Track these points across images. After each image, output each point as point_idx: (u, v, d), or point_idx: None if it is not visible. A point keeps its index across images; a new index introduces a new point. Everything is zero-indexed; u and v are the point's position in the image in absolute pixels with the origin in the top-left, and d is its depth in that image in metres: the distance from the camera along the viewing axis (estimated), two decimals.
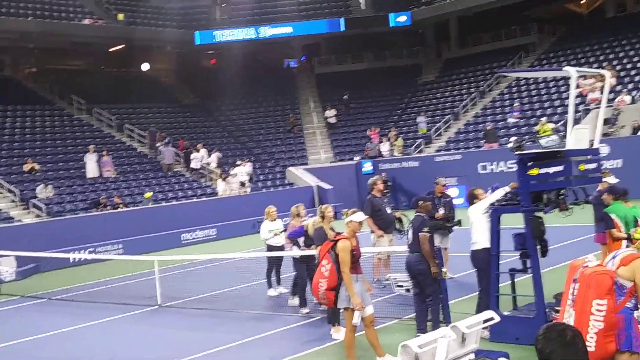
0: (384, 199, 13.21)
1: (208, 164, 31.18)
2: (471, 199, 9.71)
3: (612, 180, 10.62)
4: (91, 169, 28.22)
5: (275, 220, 13.15)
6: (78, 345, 11.32)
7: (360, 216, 8.42)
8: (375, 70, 41.79)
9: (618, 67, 31.52)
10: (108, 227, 23.58)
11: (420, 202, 9.67)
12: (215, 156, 31.53)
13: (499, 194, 8.98)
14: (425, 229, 9.25)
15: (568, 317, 5.72)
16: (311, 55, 45.31)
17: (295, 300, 12.15)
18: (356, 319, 8.08)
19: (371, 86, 40.38)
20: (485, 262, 9.10)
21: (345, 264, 8.03)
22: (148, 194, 26.95)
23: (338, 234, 8.87)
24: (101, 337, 11.76)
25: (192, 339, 10.84)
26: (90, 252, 21.45)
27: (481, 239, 9.23)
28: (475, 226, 9.40)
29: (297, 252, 11.69)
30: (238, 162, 30.77)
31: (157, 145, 31.42)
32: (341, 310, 8.63)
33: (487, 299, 8.95)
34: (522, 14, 40.99)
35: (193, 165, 30.76)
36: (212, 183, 30.30)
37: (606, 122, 25.12)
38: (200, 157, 30.89)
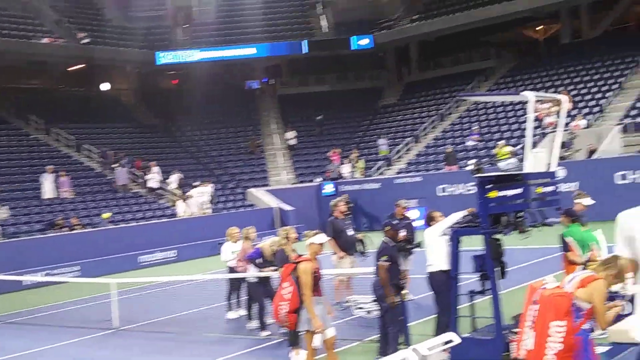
0: (345, 220, 13.21)
1: (164, 182, 30.82)
2: (429, 221, 9.77)
3: (587, 201, 10.63)
4: (48, 190, 27.72)
5: (237, 241, 13.06)
6: None
7: (321, 238, 8.40)
8: (338, 92, 42.09)
9: (573, 92, 32.24)
10: (64, 249, 23.15)
11: (386, 228, 9.57)
12: (176, 176, 31.27)
13: (456, 216, 9.03)
14: (383, 258, 9.15)
15: (527, 338, 5.76)
16: (273, 77, 45.45)
17: (254, 324, 12.06)
18: (317, 341, 8.04)
19: (333, 108, 40.59)
20: (442, 284, 9.17)
21: (307, 286, 8.00)
22: (106, 215, 26.57)
23: (299, 256, 8.83)
24: None
25: None
26: (46, 275, 21.00)
27: (437, 261, 9.32)
28: (431, 248, 9.46)
29: (255, 274, 11.59)
30: (196, 183, 30.54)
31: (114, 165, 31.05)
32: (302, 333, 8.57)
33: (445, 321, 8.98)
34: (480, 39, 41.80)
35: (151, 184, 30.46)
36: (171, 203, 30.01)
37: (562, 145, 25.62)
38: (156, 176, 30.61)
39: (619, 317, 5.88)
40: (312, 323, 7.96)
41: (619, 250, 3.89)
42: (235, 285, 13.10)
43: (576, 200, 10.52)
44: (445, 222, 9.20)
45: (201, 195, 29.43)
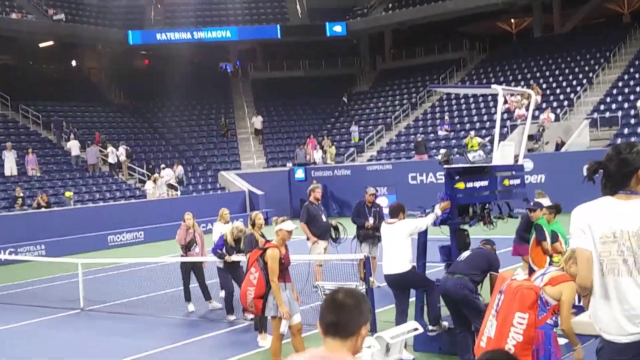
0: (320, 206, 13.30)
1: (117, 156, 30.70)
2: (397, 212, 9.02)
3: (545, 202, 10.68)
4: (9, 167, 27.25)
5: (228, 222, 12.96)
6: None
7: (290, 225, 8.41)
8: (311, 78, 42.06)
9: (544, 86, 32.63)
10: (31, 227, 22.90)
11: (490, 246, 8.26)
12: (122, 149, 31.05)
13: (431, 219, 8.56)
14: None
15: (490, 326, 5.83)
16: (247, 61, 45.22)
17: (214, 303, 12.29)
18: (283, 327, 8.09)
19: (306, 94, 40.57)
20: (419, 278, 8.83)
21: (274, 272, 8.03)
22: (68, 193, 26.23)
23: (268, 241, 8.85)
24: (19, 341, 11.38)
25: (114, 344, 10.61)
26: (10, 253, 20.75)
27: (406, 261, 8.66)
28: (397, 247, 8.68)
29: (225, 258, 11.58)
30: (163, 165, 30.41)
31: (67, 140, 30.90)
32: (269, 318, 8.62)
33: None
34: (454, 30, 42.00)
35: (110, 160, 30.37)
36: (126, 178, 29.94)
37: (531, 138, 25.96)
38: (115, 153, 30.49)
39: (581, 310, 6.02)
40: (279, 309, 8.01)
41: (574, 243, 4.03)
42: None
43: (536, 199, 10.55)
44: (422, 223, 8.60)
45: (168, 177, 29.30)
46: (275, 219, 8.74)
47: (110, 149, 30.56)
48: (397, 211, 9.03)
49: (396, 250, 8.69)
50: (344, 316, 3.03)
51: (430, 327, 8.52)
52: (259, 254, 8.36)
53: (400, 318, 8.84)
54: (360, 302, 3.09)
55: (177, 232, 12.71)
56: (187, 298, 12.54)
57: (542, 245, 9.88)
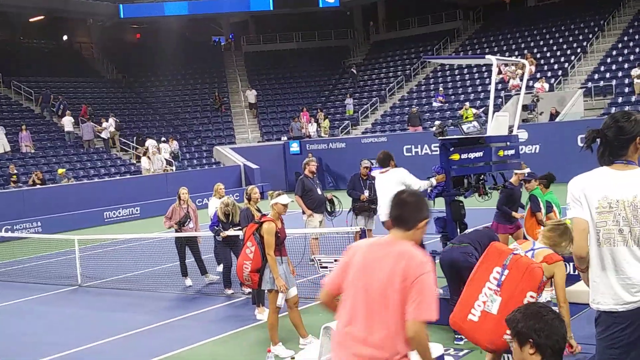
0: (315, 180, 13.31)
1: (106, 129, 30.60)
2: (387, 161, 9.08)
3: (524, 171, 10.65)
4: (0, 144, 27.03)
5: (223, 197, 12.96)
6: None
7: (285, 199, 8.42)
8: (304, 50, 41.82)
9: (538, 55, 32.51)
10: (26, 204, 22.88)
11: None
12: (112, 120, 30.92)
13: (425, 184, 8.65)
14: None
15: (491, 302, 5.56)
16: (240, 34, 44.88)
17: (211, 277, 12.40)
18: (280, 300, 8.13)
19: (299, 66, 40.36)
20: None
21: (270, 246, 8.06)
22: (61, 170, 26.17)
23: (263, 215, 8.87)
24: (17, 317, 11.43)
25: (112, 320, 10.66)
26: (6, 230, 20.73)
27: None
28: (392, 192, 8.77)
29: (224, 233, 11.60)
30: (164, 139, 30.35)
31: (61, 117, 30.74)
32: (266, 292, 8.65)
33: None
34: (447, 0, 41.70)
35: (103, 135, 30.28)
36: (130, 158, 29.80)
37: (525, 108, 25.91)
38: (108, 126, 30.40)
39: (577, 278, 6.04)
40: (276, 283, 8.05)
41: (570, 213, 4.04)
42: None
43: (516, 171, 10.50)
44: (419, 183, 8.68)
45: (165, 152, 29.25)
46: (270, 193, 8.74)
47: (104, 124, 30.46)
48: (386, 160, 9.08)
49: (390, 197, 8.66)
50: (405, 211, 3.79)
51: None
52: (254, 228, 8.39)
53: None
54: (420, 201, 3.83)
55: (169, 212, 12.58)
56: (184, 273, 12.59)
57: (536, 216, 9.92)
